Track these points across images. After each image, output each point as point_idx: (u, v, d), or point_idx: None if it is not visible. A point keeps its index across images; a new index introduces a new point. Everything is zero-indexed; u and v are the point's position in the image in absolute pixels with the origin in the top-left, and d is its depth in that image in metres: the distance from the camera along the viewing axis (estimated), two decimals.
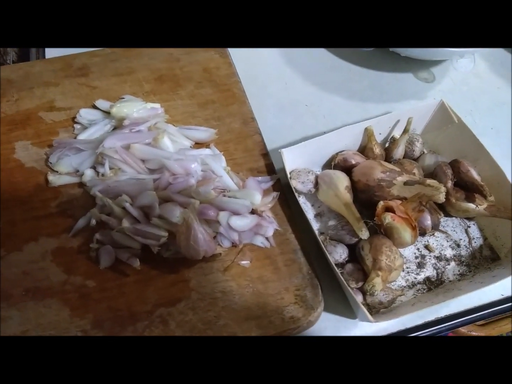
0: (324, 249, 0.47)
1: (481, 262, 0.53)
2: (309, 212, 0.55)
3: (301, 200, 0.56)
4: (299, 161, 0.55)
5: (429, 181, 0.49)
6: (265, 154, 0.56)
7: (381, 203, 0.48)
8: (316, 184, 0.54)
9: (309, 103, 0.67)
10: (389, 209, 0.48)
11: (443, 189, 0.48)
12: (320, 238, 0.49)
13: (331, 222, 0.54)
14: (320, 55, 0.73)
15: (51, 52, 0.66)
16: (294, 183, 0.53)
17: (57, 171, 0.51)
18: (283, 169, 0.53)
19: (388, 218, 0.46)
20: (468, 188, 0.54)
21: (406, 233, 0.47)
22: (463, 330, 0.62)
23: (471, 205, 0.52)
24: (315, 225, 0.54)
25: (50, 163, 0.52)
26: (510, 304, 0.50)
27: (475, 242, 0.54)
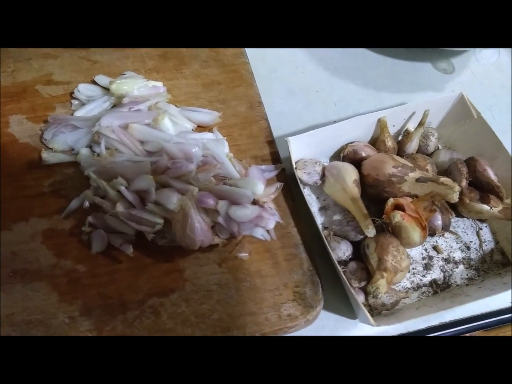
0: (327, 245, 0.44)
1: (491, 266, 0.50)
2: (314, 205, 0.52)
3: (306, 192, 0.53)
4: (306, 151, 0.52)
5: (442, 179, 0.46)
6: (271, 142, 0.53)
7: (390, 201, 0.45)
8: (323, 176, 0.52)
9: (320, 89, 0.64)
10: (398, 207, 0.45)
11: (457, 188, 0.45)
12: (324, 233, 0.46)
13: (336, 217, 0.51)
14: None
15: None
16: (299, 174, 0.51)
17: (51, 149, 0.49)
18: (288, 159, 0.50)
19: (398, 216, 0.43)
20: (483, 189, 0.51)
21: (415, 233, 0.45)
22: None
23: (485, 207, 0.49)
24: (319, 219, 0.51)
25: (45, 139, 0.49)
26: None
27: (486, 245, 0.52)
